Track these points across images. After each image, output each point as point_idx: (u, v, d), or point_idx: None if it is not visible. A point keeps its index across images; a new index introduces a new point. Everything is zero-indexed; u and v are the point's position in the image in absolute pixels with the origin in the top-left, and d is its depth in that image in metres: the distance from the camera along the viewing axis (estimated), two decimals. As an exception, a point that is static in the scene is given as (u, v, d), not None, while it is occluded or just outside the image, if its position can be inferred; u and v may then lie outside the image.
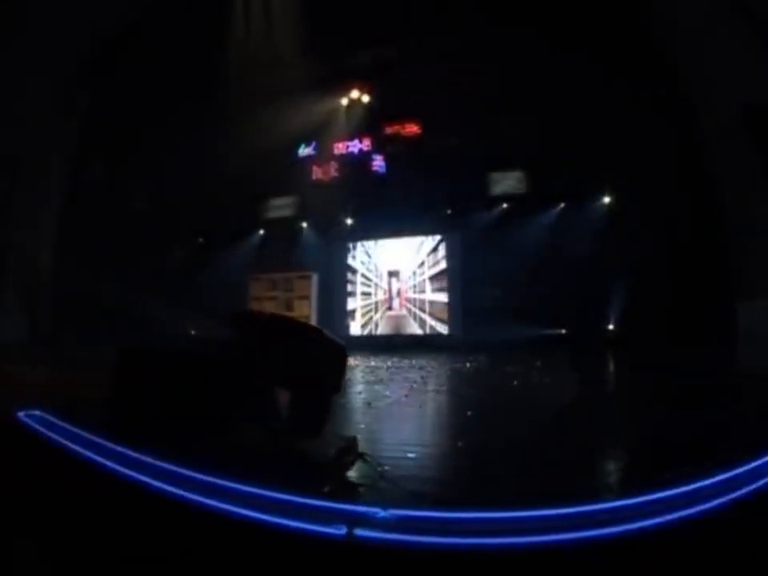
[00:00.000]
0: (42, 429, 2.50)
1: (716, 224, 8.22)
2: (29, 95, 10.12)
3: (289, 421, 2.37)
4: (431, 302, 10.92)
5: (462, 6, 9.28)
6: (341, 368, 2.44)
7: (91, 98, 11.83)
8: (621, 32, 8.77)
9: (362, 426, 3.09)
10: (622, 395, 4.90)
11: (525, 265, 9.29)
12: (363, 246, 11.65)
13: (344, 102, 11.51)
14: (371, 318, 11.46)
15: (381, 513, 1.56)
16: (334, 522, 1.50)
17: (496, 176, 10.41)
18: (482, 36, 9.49)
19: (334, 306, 11.52)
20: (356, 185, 11.20)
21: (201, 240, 12.66)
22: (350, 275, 11.72)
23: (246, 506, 1.62)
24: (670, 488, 1.66)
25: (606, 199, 9.61)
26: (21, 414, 2.72)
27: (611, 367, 7.26)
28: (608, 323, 9.15)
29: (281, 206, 12.20)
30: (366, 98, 11.36)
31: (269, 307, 10.93)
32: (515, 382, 5.18)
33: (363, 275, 11.65)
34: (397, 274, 11.36)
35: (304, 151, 11.88)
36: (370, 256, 11.64)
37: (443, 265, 10.83)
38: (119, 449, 2.12)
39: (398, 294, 11.31)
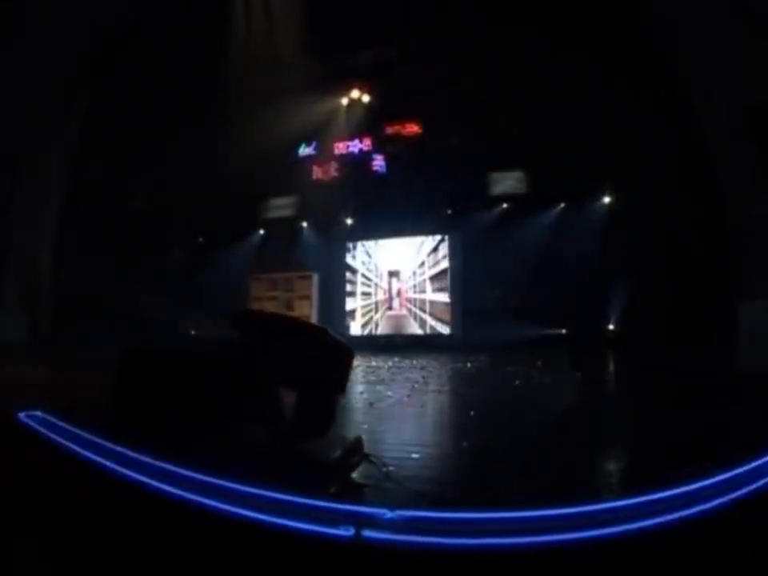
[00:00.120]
0: (42, 430, 2.49)
1: (716, 224, 8.22)
2: (29, 95, 10.13)
3: (293, 421, 2.35)
4: (431, 302, 10.92)
5: (462, 6, 9.28)
6: (346, 368, 2.42)
7: (91, 98, 11.83)
8: (621, 32, 8.77)
9: (365, 426, 3.08)
10: (623, 395, 4.90)
11: (525, 265, 9.29)
12: (363, 245, 11.65)
13: (344, 101, 11.51)
14: (371, 317, 11.46)
15: (388, 514, 1.56)
16: (341, 524, 1.49)
17: (496, 176, 10.41)
18: (481, 36, 9.49)
19: (334, 306, 11.52)
20: (356, 185, 11.20)
21: (201, 240, 12.66)
22: (350, 275, 11.72)
23: (251, 508, 1.61)
24: (670, 488, 1.66)
25: (606, 199, 9.61)
26: (22, 414, 2.71)
27: (612, 367, 7.26)
28: (608, 323, 9.15)
29: (281, 206, 12.20)
30: (366, 98, 11.36)
31: (269, 307, 10.93)
32: (517, 382, 5.18)
33: (363, 275, 11.65)
34: (397, 274, 11.36)
35: (304, 151, 11.88)
36: (370, 256, 11.64)
37: (443, 265, 10.83)
38: (121, 449, 2.11)
39: (398, 293, 11.31)
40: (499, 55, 9.40)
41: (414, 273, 11.23)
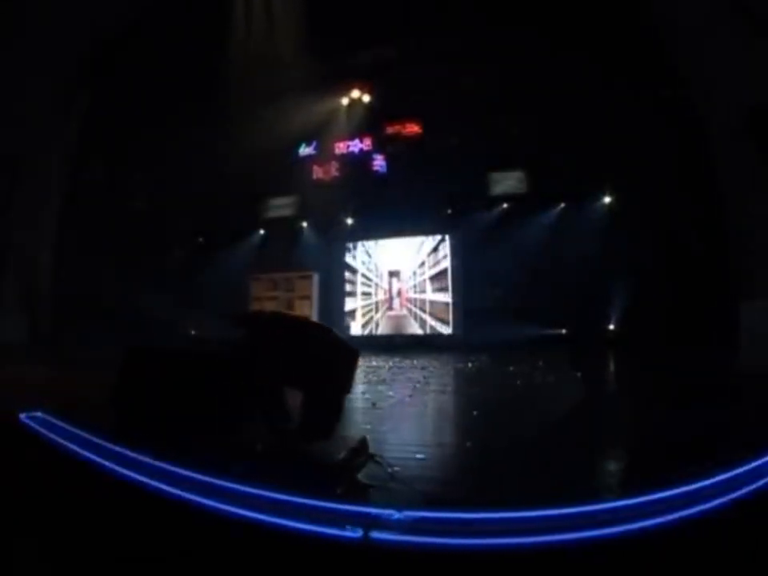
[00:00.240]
0: (43, 430, 2.48)
1: (716, 224, 8.22)
2: (29, 95, 10.13)
3: (299, 422, 2.32)
4: (432, 302, 10.92)
5: (462, 6, 9.28)
6: (351, 368, 2.40)
7: (91, 98, 11.83)
8: (621, 32, 8.77)
9: (368, 426, 3.07)
10: (624, 395, 4.90)
11: (525, 265, 9.29)
12: (364, 245, 11.65)
13: (345, 101, 11.50)
14: (372, 317, 11.46)
15: (395, 515, 1.56)
16: (348, 525, 1.49)
17: (496, 176, 10.41)
18: (481, 36, 9.49)
19: (334, 306, 11.52)
20: (356, 184, 11.20)
21: (201, 240, 12.65)
22: (350, 275, 11.72)
23: (257, 509, 1.61)
24: (671, 488, 1.66)
25: (606, 199, 9.61)
26: (23, 415, 2.71)
27: (612, 367, 7.25)
28: (608, 323, 9.15)
29: (281, 206, 12.19)
30: (366, 98, 11.36)
31: (270, 307, 10.92)
32: (518, 382, 5.18)
33: (364, 275, 11.65)
34: (397, 274, 11.36)
35: (304, 151, 11.88)
36: (370, 256, 11.64)
37: (444, 265, 10.82)
38: (122, 450, 2.10)
39: (399, 293, 11.31)
40: (499, 55, 9.39)
41: (414, 273, 11.23)
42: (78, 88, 11.52)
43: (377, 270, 11.53)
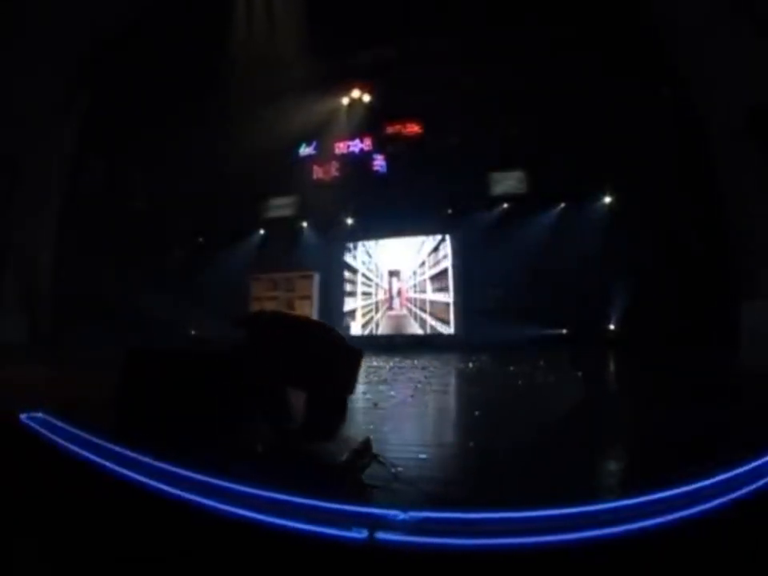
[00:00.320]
0: (44, 431, 2.48)
1: (716, 224, 8.22)
2: (29, 95, 10.13)
3: (303, 422, 2.31)
4: (432, 302, 10.92)
5: (462, 6, 9.28)
6: (355, 368, 2.38)
7: (91, 98, 11.84)
8: (621, 32, 8.77)
9: (371, 426, 3.06)
10: (625, 395, 4.90)
11: (525, 265, 9.28)
12: (364, 245, 11.65)
13: (345, 101, 11.50)
14: (372, 317, 11.46)
15: (400, 515, 1.55)
16: (354, 526, 1.49)
17: (497, 176, 10.40)
18: (481, 36, 9.49)
19: (334, 306, 11.53)
20: (357, 184, 11.19)
21: (201, 240, 12.65)
22: (350, 275, 11.72)
23: (263, 511, 1.60)
24: (671, 488, 1.66)
25: (607, 199, 9.61)
26: (23, 415, 2.70)
27: (612, 367, 7.25)
28: (608, 323, 9.15)
29: (281, 206, 12.19)
30: (366, 98, 11.35)
31: (270, 307, 10.92)
32: (519, 382, 5.18)
33: (364, 275, 11.65)
34: (397, 274, 11.36)
35: (305, 151, 11.88)
36: (370, 256, 11.64)
37: (444, 265, 10.82)
38: (125, 452, 2.09)
39: (399, 293, 11.31)
40: (499, 55, 9.39)
41: (415, 273, 11.23)
42: (78, 88, 11.53)
43: (377, 269, 11.53)
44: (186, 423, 2.32)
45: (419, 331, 11.01)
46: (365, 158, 11.35)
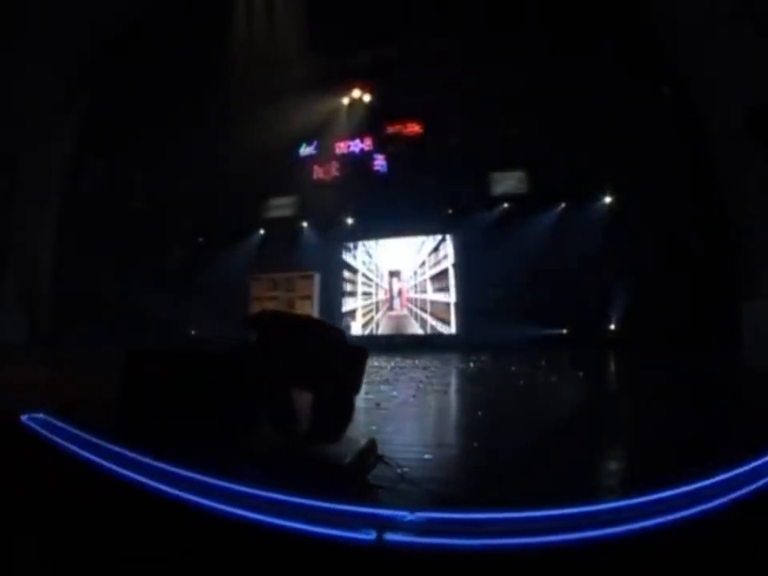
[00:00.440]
0: (45, 432, 2.47)
1: (716, 224, 8.22)
2: (29, 95, 10.12)
3: (309, 423, 2.27)
4: (432, 302, 10.92)
5: (462, 6, 9.28)
6: (361, 368, 2.36)
7: (91, 98, 11.84)
8: (621, 32, 8.78)
9: (374, 427, 3.06)
10: (626, 395, 4.89)
11: (525, 265, 9.28)
12: (364, 245, 11.65)
13: (345, 101, 11.49)
14: (372, 317, 11.46)
15: (408, 516, 1.54)
16: (361, 527, 1.48)
17: (497, 176, 10.40)
18: (482, 36, 9.49)
19: (335, 306, 11.53)
20: (357, 184, 11.19)
21: (201, 240, 12.65)
22: (350, 275, 11.72)
23: (271, 513, 1.59)
24: (672, 488, 1.66)
25: (607, 199, 9.61)
26: (24, 416, 2.69)
27: (613, 367, 7.25)
28: (609, 323, 9.15)
29: (281, 206, 12.19)
30: (367, 98, 11.35)
31: (270, 307, 10.92)
32: (521, 382, 5.18)
33: (364, 275, 11.65)
34: (398, 274, 11.36)
35: (305, 151, 11.87)
36: (370, 256, 11.64)
37: (444, 265, 10.83)
38: (128, 454, 2.08)
39: (399, 293, 11.31)
40: (499, 55, 9.40)
41: (415, 273, 11.23)
42: (78, 88, 11.53)
43: (377, 269, 11.54)
44: (188, 424, 2.31)
45: (419, 331, 11.01)
46: (365, 157, 11.35)
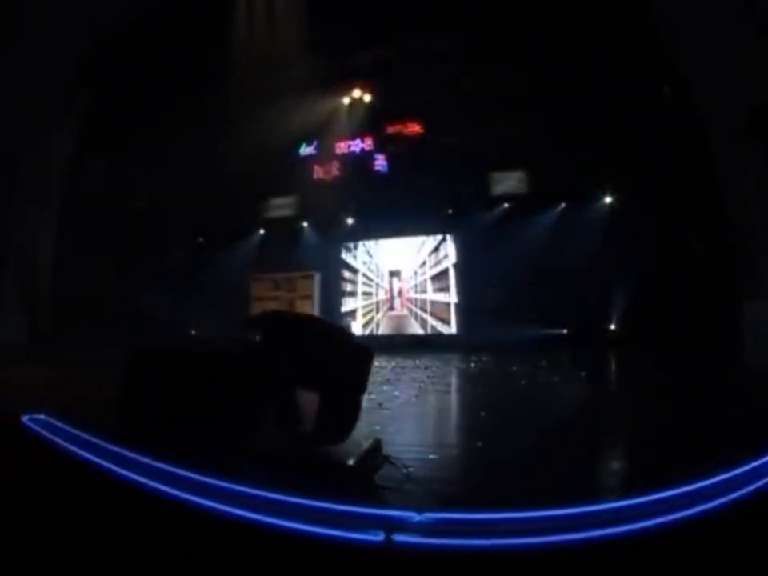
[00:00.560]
0: (46, 433, 2.45)
1: (716, 224, 8.23)
2: (29, 95, 10.12)
3: (315, 424, 2.25)
4: (432, 302, 10.93)
5: (462, 6, 9.29)
6: (366, 369, 2.35)
7: (91, 98, 11.84)
8: (621, 32, 8.78)
9: (377, 427, 3.05)
10: (627, 396, 4.90)
11: (526, 265, 9.28)
12: (364, 245, 11.65)
13: (345, 101, 11.48)
14: (372, 317, 11.46)
15: (416, 517, 1.54)
16: (369, 528, 1.47)
17: (497, 176, 10.40)
18: (482, 36, 9.49)
19: (335, 306, 11.54)
20: (357, 184, 11.18)
21: (201, 240, 12.65)
22: (350, 275, 11.72)
23: (278, 515, 1.58)
24: (672, 488, 1.66)
25: (607, 199, 9.61)
26: (25, 417, 2.68)
27: (613, 367, 7.26)
28: (609, 323, 9.16)
29: (281, 206, 12.19)
30: (367, 98, 11.34)
31: (271, 307, 10.92)
32: (522, 382, 5.19)
33: (364, 275, 11.65)
34: (398, 274, 11.36)
35: (305, 150, 11.87)
36: (371, 256, 11.64)
37: (444, 265, 10.83)
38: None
39: (399, 293, 11.32)
40: (499, 55, 9.40)
41: (415, 273, 11.23)
42: (78, 88, 11.53)
43: (377, 269, 11.54)
44: (194, 425, 2.29)
45: (420, 331, 11.01)
46: (366, 157, 11.34)
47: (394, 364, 7.05)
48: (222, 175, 11.02)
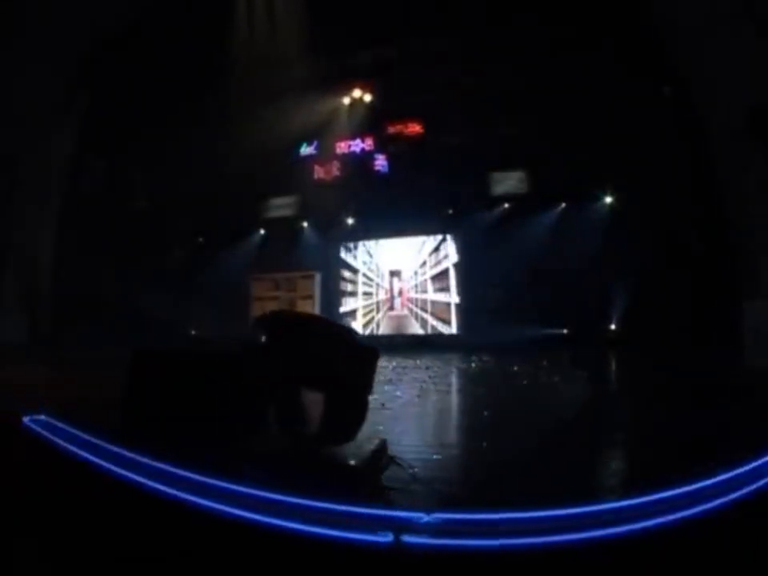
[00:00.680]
0: (48, 434, 2.44)
1: (716, 224, 8.23)
2: (29, 95, 10.12)
3: (321, 425, 2.23)
4: (433, 302, 10.93)
5: (462, 6, 9.28)
6: (372, 369, 2.32)
7: (91, 98, 11.83)
8: (621, 32, 8.78)
9: (380, 427, 3.04)
10: (628, 396, 4.90)
11: (526, 265, 9.28)
12: (365, 245, 11.65)
13: (346, 101, 11.48)
14: (372, 317, 11.46)
15: (424, 517, 1.53)
16: (378, 529, 1.46)
17: (497, 176, 10.40)
18: (482, 36, 9.49)
19: (336, 306, 11.54)
20: (358, 184, 11.18)
21: (201, 240, 12.65)
22: (351, 275, 11.72)
23: (287, 517, 1.57)
24: (672, 488, 1.66)
25: (608, 199, 9.61)
26: (26, 418, 2.68)
27: (614, 367, 7.27)
28: (609, 323, 9.16)
29: (281, 206, 12.19)
30: (367, 98, 11.34)
31: (272, 307, 10.92)
32: (525, 382, 5.19)
33: (365, 275, 11.65)
34: (398, 274, 11.36)
35: (305, 150, 11.87)
36: (371, 256, 11.64)
37: (445, 265, 10.83)
38: (134, 456, 2.05)
39: (400, 293, 11.32)
40: (499, 55, 9.40)
41: (416, 273, 11.23)
42: (78, 88, 11.52)
43: (378, 269, 11.54)
44: (195, 425, 2.28)
45: (420, 331, 11.02)
46: (366, 157, 11.34)
47: (394, 364, 7.05)
48: (222, 175, 11.02)
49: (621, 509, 1.59)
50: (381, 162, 11.23)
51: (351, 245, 11.72)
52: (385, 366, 6.77)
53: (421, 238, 11.14)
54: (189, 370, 2.52)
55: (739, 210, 7.69)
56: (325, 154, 11.69)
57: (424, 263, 11.14)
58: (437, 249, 10.97)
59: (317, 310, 11.21)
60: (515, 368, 6.20)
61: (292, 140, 11.51)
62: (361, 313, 11.55)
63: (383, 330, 11.29)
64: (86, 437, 2.34)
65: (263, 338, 2.32)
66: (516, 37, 9.10)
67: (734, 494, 1.67)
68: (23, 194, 11.08)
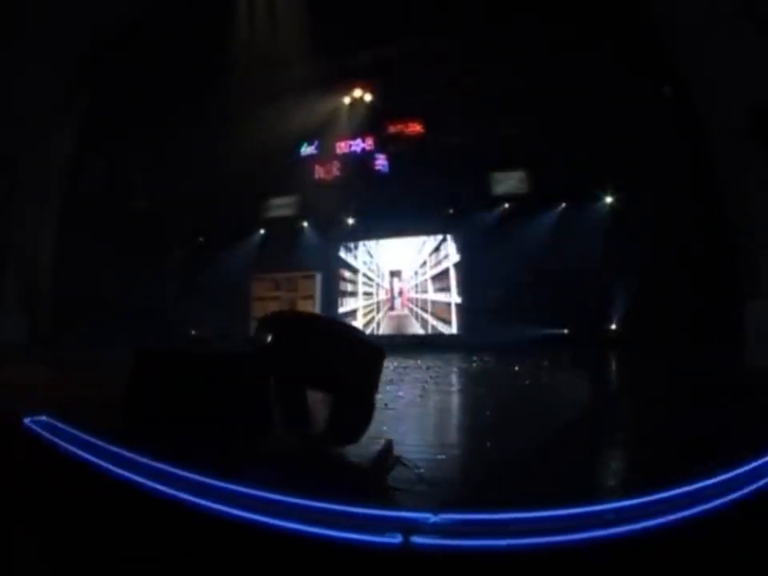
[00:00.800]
0: (49, 435, 2.43)
1: (716, 224, 8.23)
2: (29, 95, 10.12)
3: (327, 425, 2.21)
4: (433, 302, 10.93)
5: (462, 6, 9.28)
6: (378, 368, 2.32)
7: (91, 98, 11.83)
8: (621, 32, 8.78)
9: (384, 428, 3.02)
10: (628, 396, 4.90)
11: (526, 265, 9.29)
12: (365, 245, 11.65)
13: (346, 101, 11.49)
14: (373, 317, 11.46)
15: (432, 518, 1.52)
16: (386, 530, 1.45)
17: (498, 176, 10.41)
18: (482, 36, 9.49)
19: (336, 306, 11.54)
20: (358, 184, 11.19)
21: (201, 240, 12.65)
22: (351, 275, 11.72)
23: (295, 519, 1.56)
24: (672, 488, 1.66)
25: (608, 199, 9.62)
26: (27, 419, 2.67)
27: (614, 367, 7.27)
28: (609, 323, 9.16)
29: (282, 206, 12.19)
30: (368, 98, 11.35)
31: (272, 307, 10.92)
32: (526, 382, 5.19)
33: (365, 275, 11.65)
34: (399, 274, 11.36)
35: (306, 150, 11.87)
36: (371, 256, 11.64)
37: (445, 264, 10.83)
38: (143, 459, 2.04)
39: (400, 293, 11.32)
40: (499, 55, 9.39)
41: (416, 273, 11.23)
42: (78, 88, 11.52)
43: (378, 269, 11.54)
44: (196, 425, 2.26)
45: (420, 331, 11.02)
46: (366, 157, 11.34)
47: (395, 364, 7.05)
48: (222, 175, 11.02)
49: (622, 509, 1.59)
50: (381, 162, 11.23)
51: (351, 245, 11.72)
52: (386, 366, 6.73)
53: (421, 238, 11.15)
54: (190, 371, 2.51)
55: (739, 210, 7.69)
56: (325, 154, 11.69)
57: (424, 263, 11.14)
58: (437, 249, 10.97)
59: (317, 310, 11.21)
60: (516, 368, 6.20)
61: (292, 140, 11.51)
62: (361, 313, 11.55)
63: (384, 330, 11.30)
64: (87, 437, 2.33)
65: (267, 339, 2.29)
66: (516, 37, 9.10)
67: (734, 494, 1.67)
68: (23, 193, 11.07)
